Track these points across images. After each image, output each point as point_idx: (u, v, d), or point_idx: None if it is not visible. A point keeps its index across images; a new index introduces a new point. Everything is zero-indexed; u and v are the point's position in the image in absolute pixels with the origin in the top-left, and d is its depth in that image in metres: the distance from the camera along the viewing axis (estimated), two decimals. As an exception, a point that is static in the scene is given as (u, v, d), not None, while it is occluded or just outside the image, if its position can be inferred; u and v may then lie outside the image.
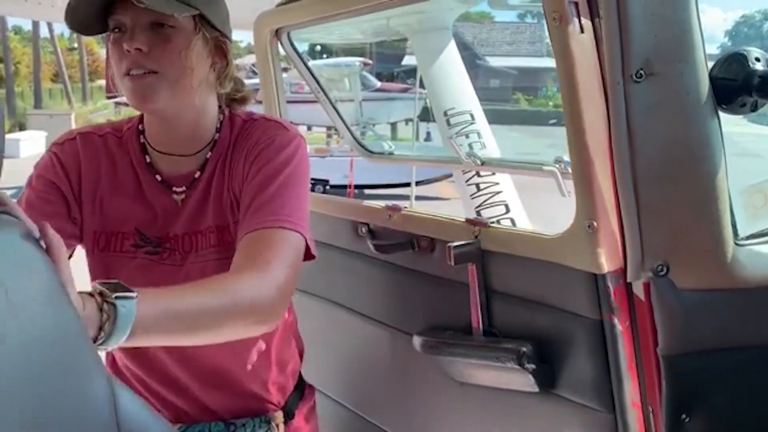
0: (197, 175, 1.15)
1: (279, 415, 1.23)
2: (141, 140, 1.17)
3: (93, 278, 1.15)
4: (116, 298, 0.76)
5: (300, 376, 1.33)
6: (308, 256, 1.06)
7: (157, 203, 1.14)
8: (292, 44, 1.78)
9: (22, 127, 19.11)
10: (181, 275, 1.12)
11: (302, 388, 1.32)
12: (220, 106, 1.19)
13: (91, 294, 0.76)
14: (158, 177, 1.15)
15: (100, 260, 1.15)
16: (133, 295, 0.78)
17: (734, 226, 0.97)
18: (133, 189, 1.15)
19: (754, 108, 0.94)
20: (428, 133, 12.24)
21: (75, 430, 0.58)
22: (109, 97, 15.32)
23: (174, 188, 1.15)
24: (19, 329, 0.55)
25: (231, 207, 1.13)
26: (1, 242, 0.60)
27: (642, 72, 0.91)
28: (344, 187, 8.04)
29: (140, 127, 1.17)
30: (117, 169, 1.16)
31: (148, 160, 1.16)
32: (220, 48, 1.13)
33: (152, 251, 1.13)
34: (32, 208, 1.09)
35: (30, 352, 0.56)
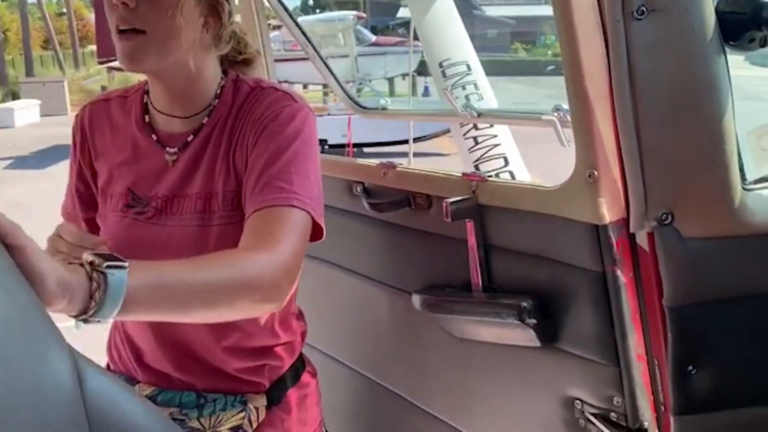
0: (190, 138, 1.14)
1: (259, 399, 1.17)
2: (144, 100, 1.17)
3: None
4: (107, 267, 0.76)
5: (300, 359, 1.26)
6: (316, 234, 1.04)
7: (150, 162, 1.14)
8: (278, -2, 1.71)
9: (15, 96, 18.93)
10: (163, 237, 1.11)
11: (299, 373, 1.24)
12: (225, 71, 1.17)
13: (82, 264, 0.76)
14: (154, 136, 1.15)
15: (102, 221, 1.18)
16: (125, 264, 0.77)
17: (742, 170, 0.92)
18: (131, 148, 1.16)
19: (764, 43, 0.88)
20: (426, 88, 12.10)
21: (37, 411, 0.56)
22: (101, 63, 15.12)
23: (167, 148, 1.14)
24: None
25: (224, 176, 1.10)
26: None
27: (644, 8, 0.85)
28: (343, 146, 7.98)
29: (146, 87, 1.17)
30: (117, 130, 1.18)
31: (147, 119, 1.16)
32: (214, 8, 1.09)
33: (141, 211, 1.13)
34: (69, 196, 1.25)
35: None
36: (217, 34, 1.12)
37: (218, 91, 1.15)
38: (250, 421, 1.16)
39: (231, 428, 1.15)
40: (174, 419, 1.14)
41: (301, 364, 1.26)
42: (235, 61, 1.18)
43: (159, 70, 1.09)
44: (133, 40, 1.04)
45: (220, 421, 1.15)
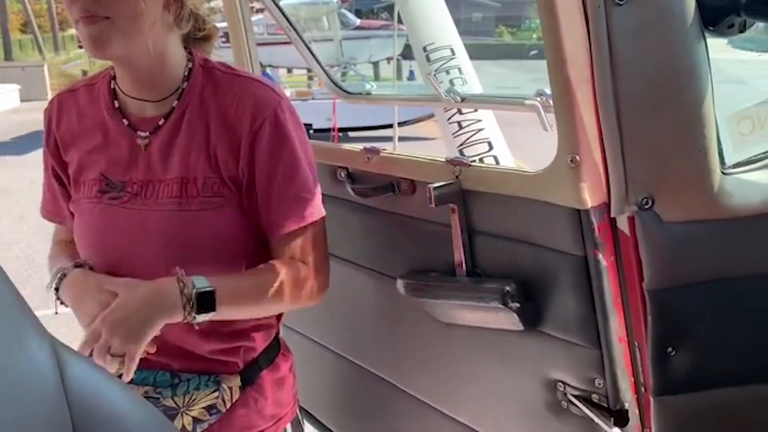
0: (161, 122, 1.14)
1: (233, 379, 1.19)
2: (112, 86, 1.17)
3: (75, 227, 1.20)
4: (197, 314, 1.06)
5: (275, 341, 1.28)
6: None
7: (121, 147, 1.15)
8: (258, -20, 1.69)
9: (-7, 81, 18.56)
10: (140, 221, 1.12)
11: (273, 355, 1.27)
12: (190, 53, 1.17)
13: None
14: (125, 121, 1.15)
15: (76, 208, 1.19)
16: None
17: (721, 154, 0.93)
18: (101, 134, 1.16)
19: (743, 29, 0.89)
20: (411, 72, 12.04)
21: (17, 399, 0.56)
22: (81, 47, 14.85)
23: (139, 132, 1.14)
24: None
25: (204, 163, 1.12)
26: None
27: None
28: (328, 130, 7.94)
29: (113, 72, 1.18)
30: (86, 118, 1.18)
31: (116, 105, 1.16)
32: None
33: (115, 196, 1.14)
34: (47, 194, 1.29)
35: None
36: (178, 14, 1.12)
37: (186, 74, 1.15)
38: (223, 400, 1.18)
39: (205, 407, 1.17)
40: (148, 398, 1.16)
41: (276, 346, 1.27)
42: (196, 38, 1.19)
43: (125, 56, 1.10)
44: (97, 23, 1.04)
45: (194, 400, 1.17)
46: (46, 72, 17.73)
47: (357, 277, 1.52)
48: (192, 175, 1.11)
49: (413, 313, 1.38)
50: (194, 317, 1.05)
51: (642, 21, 0.87)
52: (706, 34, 0.89)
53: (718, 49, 0.96)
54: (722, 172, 0.93)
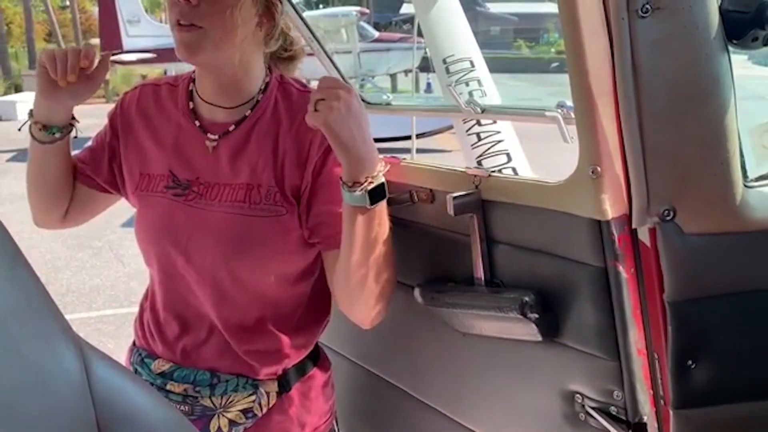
0: (231, 128, 1.19)
1: (271, 384, 1.22)
2: (190, 88, 1.23)
3: (137, 217, 1.24)
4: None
5: (314, 353, 1.31)
6: None
7: (191, 147, 1.20)
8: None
9: (18, 89, 18.92)
10: (201, 220, 1.16)
11: (311, 366, 1.30)
12: (269, 68, 1.22)
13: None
14: (197, 122, 1.20)
15: (140, 200, 1.23)
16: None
17: (743, 167, 0.93)
18: (174, 133, 1.22)
19: (767, 42, 0.89)
20: (429, 84, 12.10)
21: (44, 397, 0.57)
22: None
23: (209, 134, 1.19)
24: None
25: (271, 172, 1.16)
26: None
27: (648, 6, 0.86)
28: (344, 141, 7.96)
29: (194, 75, 1.23)
30: (163, 114, 1.23)
31: (191, 106, 1.22)
32: (269, 8, 1.15)
33: (180, 193, 1.18)
34: (92, 144, 1.30)
35: None
36: (269, 33, 1.18)
37: (262, 87, 1.20)
38: (260, 404, 1.21)
39: (241, 410, 1.20)
40: (188, 396, 1.19)
41: (314, 357, 1.31)
42: (281, 57, 1.24)
43: (211, 64, 1.16)
44: (191, 32, 1.09)
45: (231, 401, 1.20)
46: (69, 81, 17.96)
47: None
48: (257, 183, 1.16)
49: (430, 323, 1.38)
50: (373, 182, 1.08)
51: (665, 33, 0.87)
52: (730, 47, 0.89)
53: (740, 65, 0.96)
54: (745, 185, 0.93)
